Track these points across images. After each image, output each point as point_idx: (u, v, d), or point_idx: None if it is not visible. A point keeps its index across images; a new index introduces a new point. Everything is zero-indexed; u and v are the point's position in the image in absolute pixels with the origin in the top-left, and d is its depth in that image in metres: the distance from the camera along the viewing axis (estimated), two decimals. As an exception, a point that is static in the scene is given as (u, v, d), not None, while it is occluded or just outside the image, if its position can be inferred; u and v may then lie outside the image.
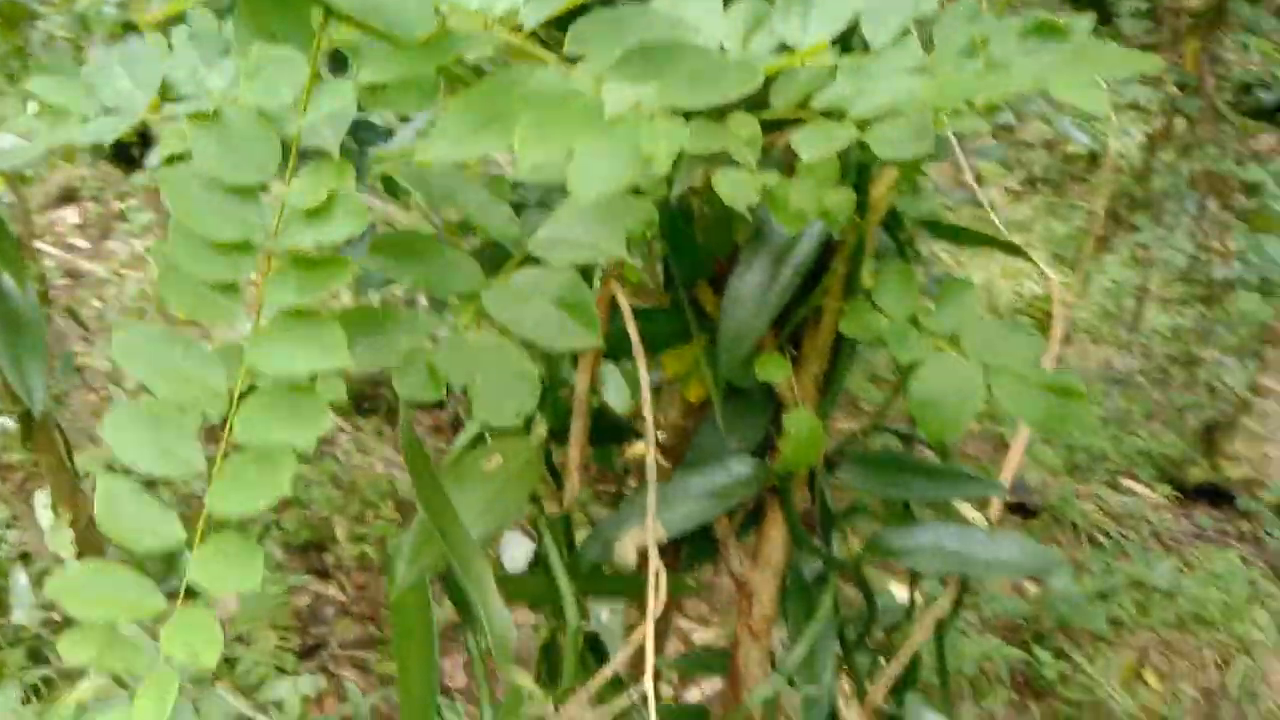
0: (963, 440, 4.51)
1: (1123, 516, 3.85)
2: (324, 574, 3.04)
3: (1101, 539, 3.66)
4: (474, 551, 0.69)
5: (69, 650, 0.43)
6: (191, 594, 0.47)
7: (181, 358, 0.42)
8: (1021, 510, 3.89)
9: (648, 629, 0.69)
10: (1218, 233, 5.35)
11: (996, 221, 1.05)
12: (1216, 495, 4.05)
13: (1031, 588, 3.28)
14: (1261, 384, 4.01)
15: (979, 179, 7.19)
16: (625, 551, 0.87)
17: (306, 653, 2.72)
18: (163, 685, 0.43)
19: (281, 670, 2.44)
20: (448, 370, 0.51)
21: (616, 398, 0.96)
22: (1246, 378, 4.10)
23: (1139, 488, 4.19)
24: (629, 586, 0.89)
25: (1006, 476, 1.06)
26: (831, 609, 0.96)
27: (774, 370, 0.79)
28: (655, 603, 0.70)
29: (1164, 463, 4.40)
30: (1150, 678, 2.65)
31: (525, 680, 0.72)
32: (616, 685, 0.78)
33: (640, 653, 0.76)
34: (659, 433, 0.97)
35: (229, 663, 2.40)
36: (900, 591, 1.14)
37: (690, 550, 0.94)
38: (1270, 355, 4.01)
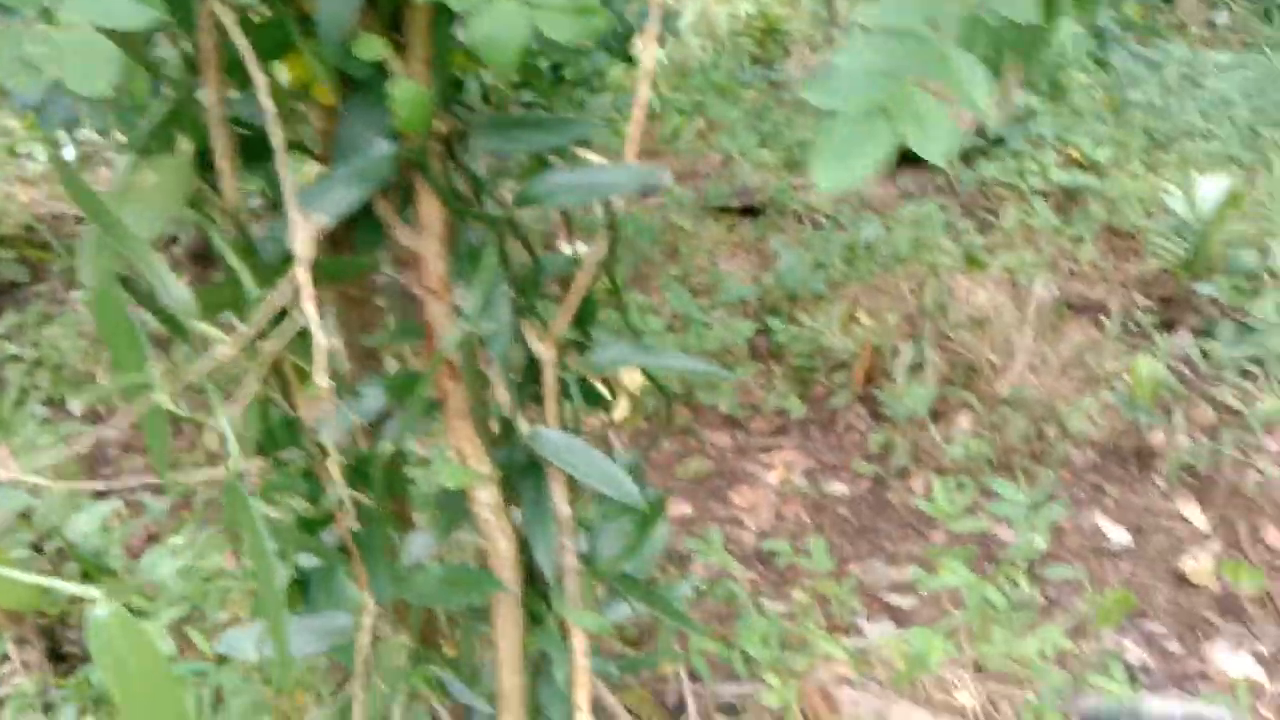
0: (694, 162, 4.77)
1: (838, 197, 4.24)
2: (95, 418, 3.06)
3: (822, 220, 4.04)
4: (142, 244, 0.82)
5: None
6: None
7: None
8: (748, 211, 4.23)
9: (300, 267, 0.85)
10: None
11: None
12: (912, 158, 4.50)
13: (765, 276, 3.62)
14: (933, 48, 4.39)
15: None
16: (301, 246, 1.01)
17: (100, 493, 2.78)
18: None
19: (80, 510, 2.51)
20: (41, 62, 0.62)
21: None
22: (919, 45, 4.47)
23: (850, 167, 4.59)
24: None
25: (635, 136, 1.23)
26: (497, 260, 1.14)
27: (370, 48, 0.92)
28: (304, 250, 0.85)
29: (869, 141, 4.81)
30: (863, 317, 3.06)
31: (205, 327, 0.87)
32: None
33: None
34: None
35: (25, 517, 2.45)
36: (569, 248, 1.33)
37: (362, 234, 1.09)
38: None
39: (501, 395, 1.25)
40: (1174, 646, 2.29)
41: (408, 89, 0.92)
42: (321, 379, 0.84)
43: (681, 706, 2.02)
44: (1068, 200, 4.07)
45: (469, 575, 1.27)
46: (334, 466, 1.12)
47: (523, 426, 1.26)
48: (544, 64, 3.69)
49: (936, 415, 2.83)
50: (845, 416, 2.99)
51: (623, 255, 3.75)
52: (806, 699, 1.95)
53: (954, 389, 2.87)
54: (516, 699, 1.33)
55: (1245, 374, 2.96)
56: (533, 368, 1.27)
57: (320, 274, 1.03)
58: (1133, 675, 2.18)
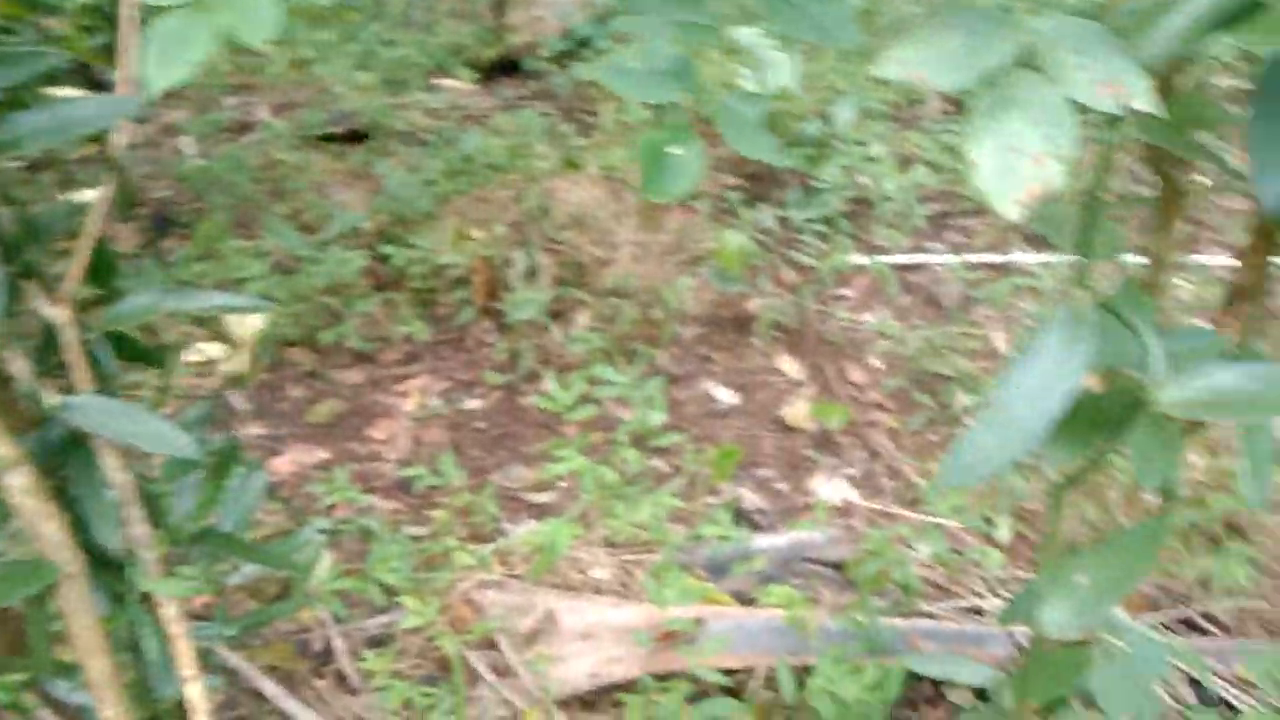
0: (289, 92, 4.53)
1: (441, 111, 4.19)
2: None
3: (428, 137, 3.97)
4: None
5: None
6: None
7: None
8: (354, 137, 4.09)
9: None
10: None
11: None
12: (509, 67, 4.53)
13: (377, 202, 3.53)
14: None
15: None
16: None
17: None
18: None
19: None
20: None
21: None
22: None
23: (449, 82, 4.55)
24: None
25: (125, 66, 1.13)
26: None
27: None
28: None
29: (466, 53, 4.78)
30: (473, 231, 3.07)
31: None
32: None
33: None
34: None
35: None
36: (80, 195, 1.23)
37: None
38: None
39: (18, 369, 1.14)
40: (783, 486, 2.54)
41: None
42: None
43: (329, 651, 2.00)
44: (659, 93, 4.24)
45: (22, 567, 1.16)
46: None
47: (52, 398, 1.16)
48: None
49: (556, 315, 2.92)
50: (472, 332, 3.01)
51: (218, 200, 3.52)
52: (452, 611, 1.99)
53: (568, 288, 2.96)
54: (108, 683, 1.25)
55: (819, 235, 3.27)
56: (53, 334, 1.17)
57: None
58: (750, 519, 2.40)
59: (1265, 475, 1.06)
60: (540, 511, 2.43)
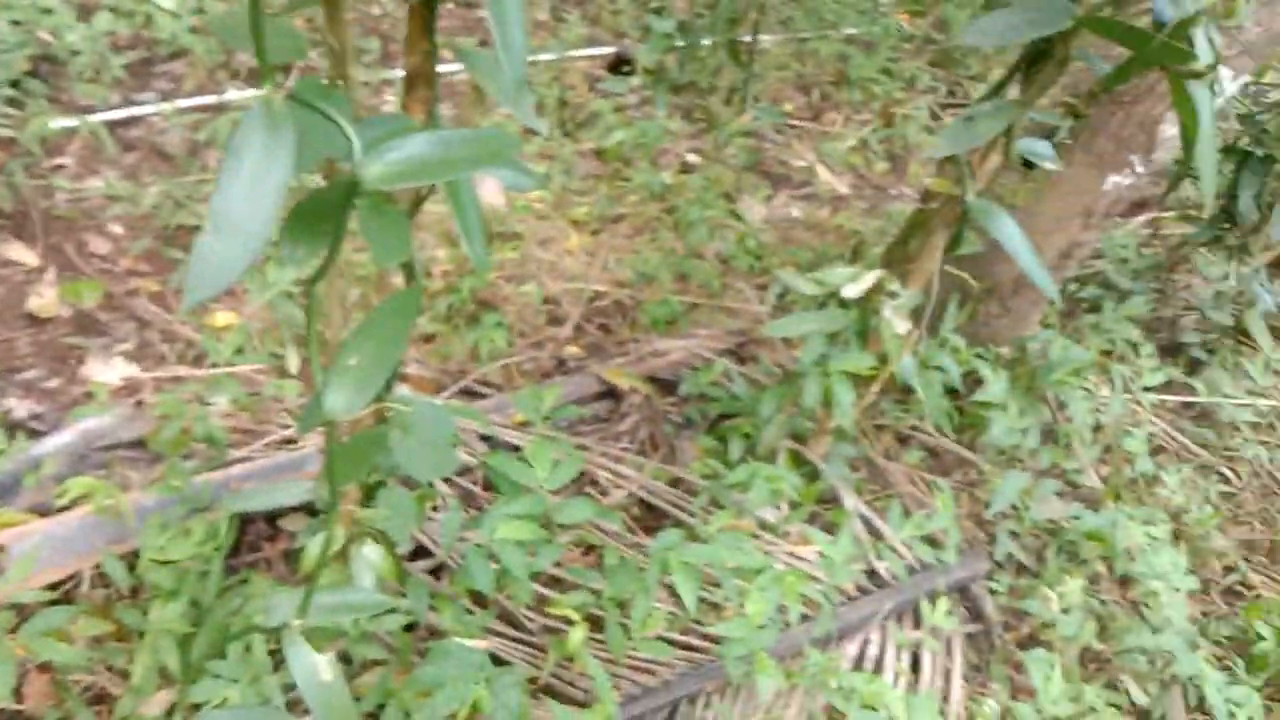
0: None
1: None
2: None
3: None
4: None
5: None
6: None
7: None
8: None
9: None
10: None
11: None
12: None
13: None
14: None
15: None
16: None
17: None
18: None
19: None
20: None
21: None
22: None
23: None
24: None
25: None
26: None
27: None
28: None
29: None
30: None
31: None
32: None
33: None
34: None
35: None
36: None
37: None
38: None
39: None
40: (53, 383, 2.32)
41: None
42: None
43: None
44: None
45: None
46: None
47: None
48: None
49: None
50: None
51: None
52: None
53: None
54: None
55: (9, 100, 2.89)
56: None
57: None
58: (25, 427, 2.16)
59: (478, 235, 1.24)
60: None
